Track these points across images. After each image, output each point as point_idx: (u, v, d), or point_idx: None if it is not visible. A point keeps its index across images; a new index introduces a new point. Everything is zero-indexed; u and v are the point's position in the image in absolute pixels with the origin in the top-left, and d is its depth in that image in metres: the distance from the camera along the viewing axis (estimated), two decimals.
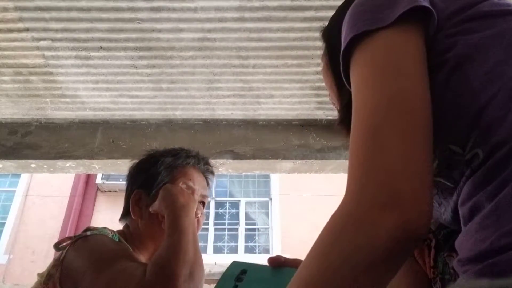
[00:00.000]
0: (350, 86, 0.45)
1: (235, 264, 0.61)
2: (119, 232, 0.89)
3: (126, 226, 0.91)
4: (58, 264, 0.76)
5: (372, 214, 0.34)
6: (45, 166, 2.11)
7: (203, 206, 0.94)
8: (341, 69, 0.46)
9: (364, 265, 0.34)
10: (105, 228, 0.84)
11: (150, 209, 0.83)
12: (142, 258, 0.87)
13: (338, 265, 0.35)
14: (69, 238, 0.80)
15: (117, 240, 0.83)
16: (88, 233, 0.79)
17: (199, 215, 0.90)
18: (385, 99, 0.38)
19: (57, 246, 0.79)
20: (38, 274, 0.78)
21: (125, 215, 0.92)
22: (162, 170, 0.89)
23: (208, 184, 0.99)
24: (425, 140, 0.36)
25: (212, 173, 1.00)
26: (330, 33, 0.61)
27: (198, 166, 0.95)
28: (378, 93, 0.38)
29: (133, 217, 0.88)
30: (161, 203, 0.81)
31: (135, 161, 0.97)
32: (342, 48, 0.44)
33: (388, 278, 0.36)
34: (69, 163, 2.07)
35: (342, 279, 0.35)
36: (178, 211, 0.77)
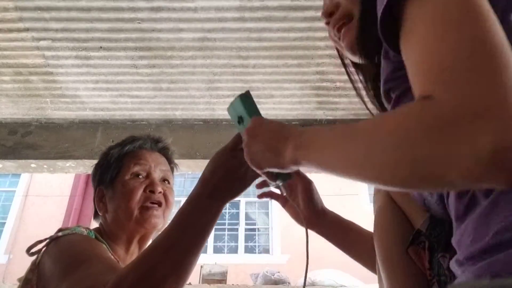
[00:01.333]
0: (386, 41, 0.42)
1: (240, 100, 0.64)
2: (96, 229, 0.89)
3: (100, 224, 0.92)
4: (34, 268, 0.75)
5: (470, 124, 0.30)
6: (45, 166, 2.11)
7: (169, 183, 0.93)
8: (379, 18, 0.40)
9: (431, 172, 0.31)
10: (78, 226, 0.83)
11: None
12: (119, 249, 0.87)
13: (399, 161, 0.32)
14: (40, 241, 0.79)
15: (93, 236, 0.82)
16: (60, 234, 0.78)
17: (165, 190, 0.89)
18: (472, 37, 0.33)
19: (28, 251, 0.78)
20: (18, 279, 0.77)
21: (95, 215, 0.93)
22: (113, 162, 0.90)
23: (169, 160, 0.97)
24: None
25: (167, 148, 0.98)
26: None
27: (146, 146, 0.94)
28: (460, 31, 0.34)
29: (99, 213, 0.89)
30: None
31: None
32: None
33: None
34: (69, 163, 2.07)
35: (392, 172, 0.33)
36: (196, 192, 0.65)
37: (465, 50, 0.33)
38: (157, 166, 0.91)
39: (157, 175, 0.90)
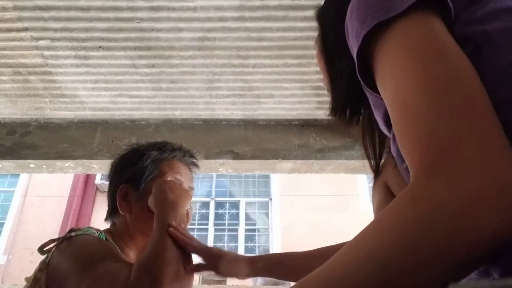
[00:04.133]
0: (367, 85, 0.44)
1: None
2: (106, 231, 0.87)
3: (113, 225, 0.90)
4: (44, 268, 0.75)
5: (472, 205, 0.29)
6: (44, 166, 2.11)
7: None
8: (357, 68, 0.43)
9: (459, 263, 0.29)
10: (90, 227, 0.82)
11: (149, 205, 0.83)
12: (132, 254, 0.86)
13: (424, 261, 0.30)
14: (53, 240, 0.79)
15: (104, 239, 0.82)
16: (73, 234, 0.77)
17: (188, 208, 0.89)
18: (441, 80, 0.33)
19: (41, 250, 0.77)
20: (26, 279, 0.77)
21: (112, 213, 0.90)
22: (149, 164, 0.88)
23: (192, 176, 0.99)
24: (497, 122, 0.32)
25: (197, 166, 1.00)
26: (325, 15, 0.58)
27: (184, 159, 0.95)
28: (429, 77, 0.34)
29: (121, 212, 0.86)
30: (152, 201, 0.81)
31: (117, 155, 0.95)
32: (357, 46, 0.41)
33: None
34: (68, 163, 2.06)
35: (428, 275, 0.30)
36: (166, 208, 0.77)
37: (444, 126, 0.31)
38: (187, 183, 0.91)
39: None
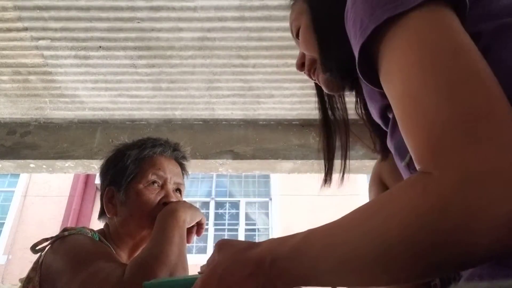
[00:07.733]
0: (365, 78, 0.42)
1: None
2: (100, 231, 0.88)
3: (106, 225, 0.90)
4: (37, 267, 0.75)
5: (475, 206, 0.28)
6: (44, 166, 2.11)
7: (180, 193, 0.92)
8: (357, 62, 0.41)
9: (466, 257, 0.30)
10: (83, 227, 0.83)
11: None
12: (123, 255, 0.86)
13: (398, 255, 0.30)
14: (46, 240, 0.79)
15: (97, 239, 0.82)
16: (66, 233, 0.78)
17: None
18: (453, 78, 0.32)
19: (34, 249, 0.77)
20: (20, 280, 0.77)
21: (102, 214, 0.90)
22: (129, 164, 0.87)
23: (183, 169, 0.97)
24: None
25: (185, 157, 0.98)
26: None
27: (166, 154, 0.92)
28: (442, 74, 0.33)
29: (107, 215, 0.87)
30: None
31: (105, 158, 0.96)
32: (363, 40, 0.39)
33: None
34: (68, 163, 2.07)
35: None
36: (166, 213, 0.79)
37: (451, 107, 0.31)
38: (173, 178, 0.90)
39: (171, 186, 0.89)
